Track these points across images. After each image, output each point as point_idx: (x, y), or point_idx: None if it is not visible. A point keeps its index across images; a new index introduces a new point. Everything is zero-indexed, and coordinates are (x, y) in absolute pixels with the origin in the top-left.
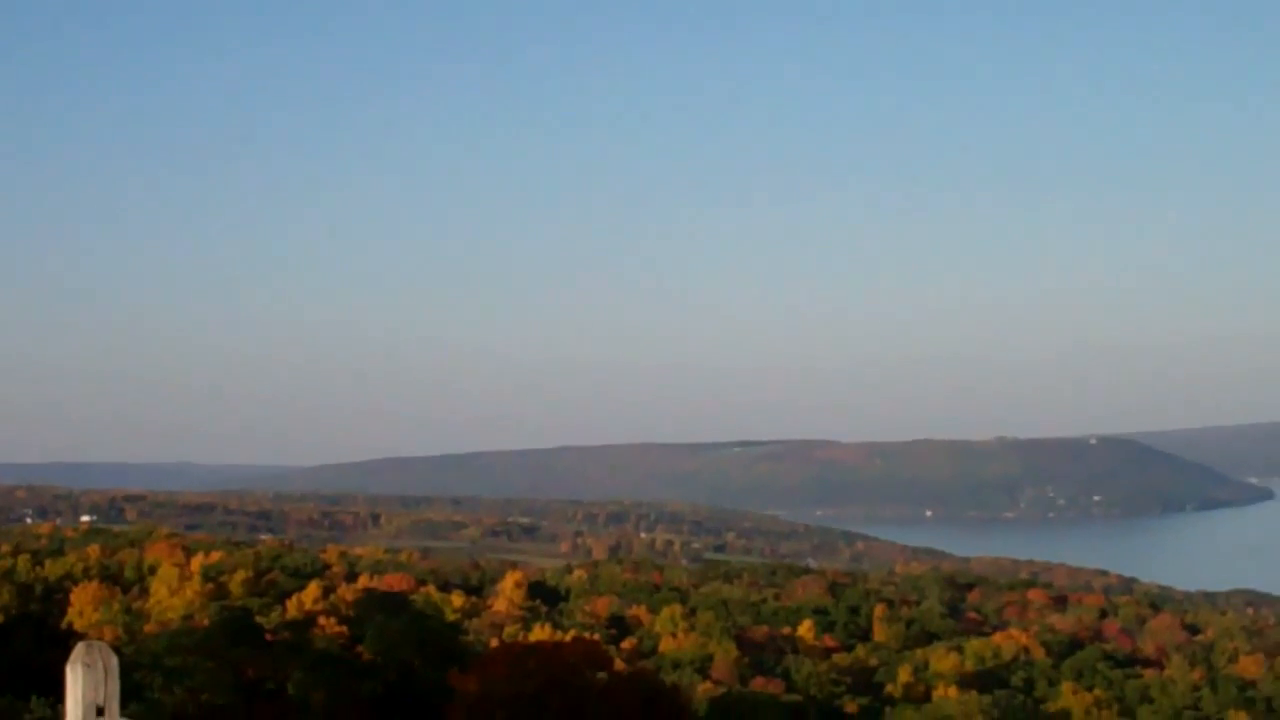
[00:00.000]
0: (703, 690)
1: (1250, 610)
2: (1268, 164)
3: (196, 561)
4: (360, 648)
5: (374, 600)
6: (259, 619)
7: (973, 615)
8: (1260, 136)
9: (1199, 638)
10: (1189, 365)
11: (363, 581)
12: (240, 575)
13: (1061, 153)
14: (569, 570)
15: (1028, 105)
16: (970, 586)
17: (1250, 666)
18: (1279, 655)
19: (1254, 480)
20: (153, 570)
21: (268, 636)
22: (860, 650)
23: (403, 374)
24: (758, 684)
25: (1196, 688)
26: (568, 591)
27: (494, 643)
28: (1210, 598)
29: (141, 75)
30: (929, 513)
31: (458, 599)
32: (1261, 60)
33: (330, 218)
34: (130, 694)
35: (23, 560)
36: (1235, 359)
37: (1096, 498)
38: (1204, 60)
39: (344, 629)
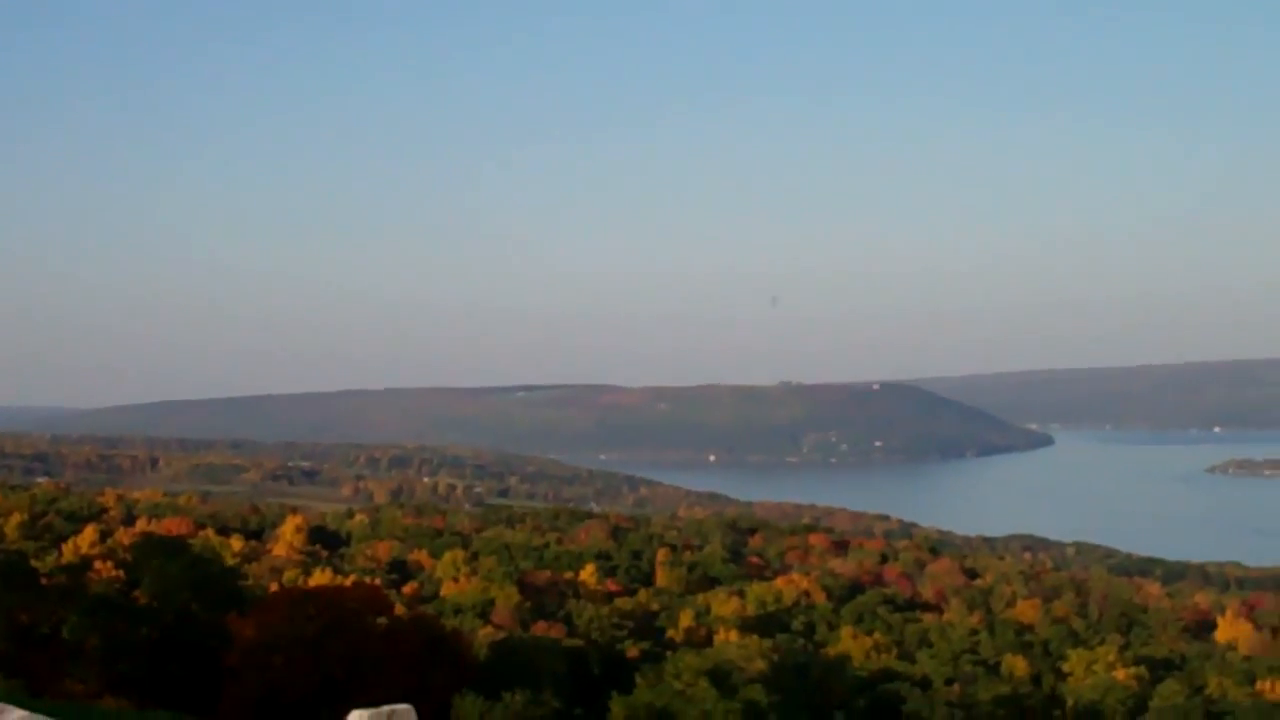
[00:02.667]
0: (484, 634)
1: (1028, 555)
2: (1028, 120)
3: None
4: (137, 592)
5: (152, 544)
6: (34, 563)
7: (755, 559)
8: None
9: (977, 582)
10: (971, 313)
11: (140, 525)
12: (15, 518)
13: (841, 104)
14: (350, 514)
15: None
16: (753, 531)
17: (1027, 611)
18: (1055, 600)
19: (1034, 426)
20: None
21: (43, 580)
22: (642, 594)
23: (182, 315)
24: (539, 628)
25: (975, 632)
26: (348, 536)
27: (273, 587)
28: (989, 543)
29: None
30: (712, 457)
31: (237, 543)
32: None
33: (104, 154)
34: None
35: None
36: (1013, 306)
37: (878, 443)
38: None
39: (121, 573)
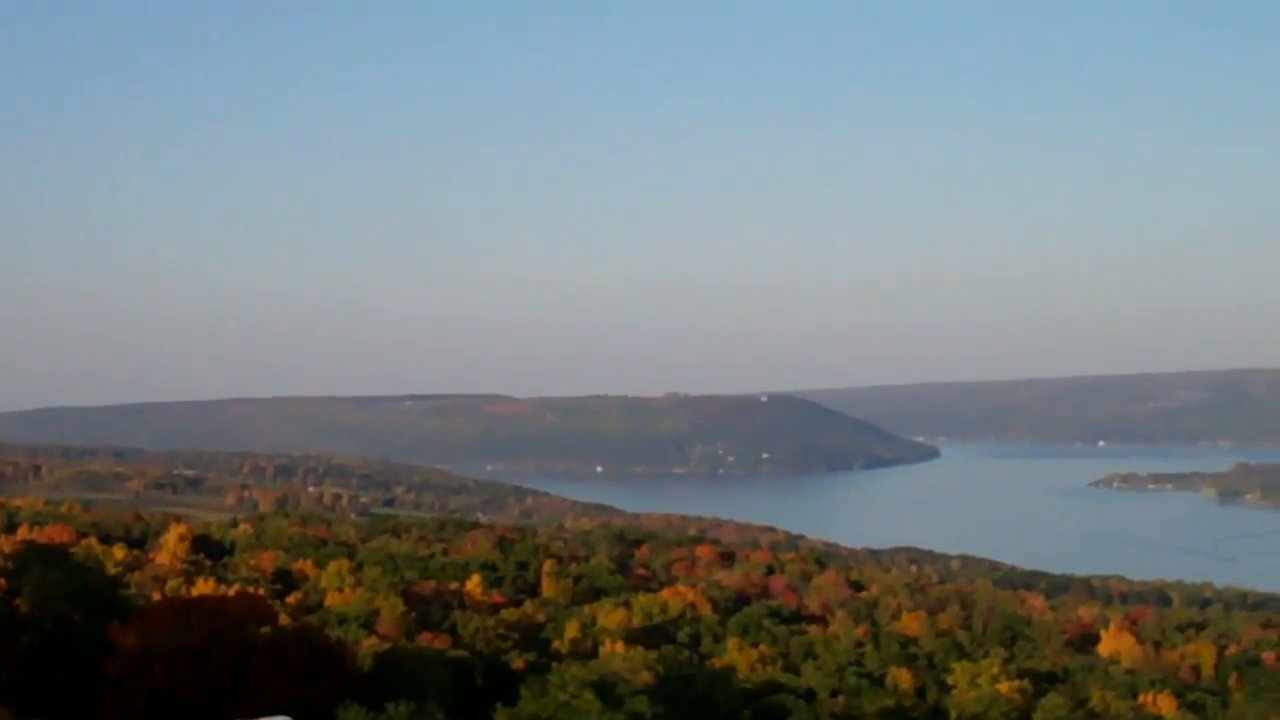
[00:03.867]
0: (368, 645)
1: (913, 567)
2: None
3: None
4: (18, 600)
5: (33, 552)
6: None
7: (641, 571)
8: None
9: (863, 594)
10: (858, 326)
11: (22, 533)
12: None
13: (720, 116)
14: (234, 523)
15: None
16: (639, 542)
17: (912, 624)
18: (940, 612)
19: (920, 439)
20: None
21: None
22: (528, 606)
23: (65, 322)
24: (424, 639)
25: (860, 644)
26: (233, 545)
27: (156, 596)
28: (875, 555)
29: None
30: (600, 468)
31: (120, 552)
32: None
33: None
34: None
35: None
36: (899, 320)
37: (765, 455)
38: None
39: (1, 581)
